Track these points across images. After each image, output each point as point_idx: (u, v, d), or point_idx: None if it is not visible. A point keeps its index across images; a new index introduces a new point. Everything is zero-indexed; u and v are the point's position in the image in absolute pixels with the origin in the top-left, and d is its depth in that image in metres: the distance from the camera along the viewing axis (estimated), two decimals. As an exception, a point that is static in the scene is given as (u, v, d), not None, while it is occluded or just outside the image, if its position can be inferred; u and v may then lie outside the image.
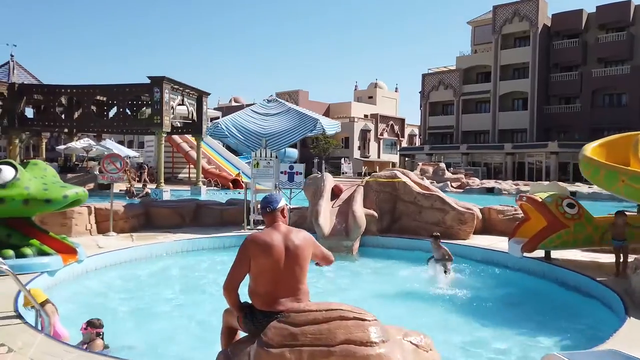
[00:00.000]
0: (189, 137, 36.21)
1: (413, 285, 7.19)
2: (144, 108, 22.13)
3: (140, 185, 22.75)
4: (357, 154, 58.29)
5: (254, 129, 10.39)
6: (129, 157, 28.56)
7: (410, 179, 10.29)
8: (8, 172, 6.16)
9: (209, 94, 23.80)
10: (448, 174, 32.46)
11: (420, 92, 53.41)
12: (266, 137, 10.36)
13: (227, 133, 10.30)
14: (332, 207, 9.88)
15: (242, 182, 31.04)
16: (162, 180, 20.82)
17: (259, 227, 10.56)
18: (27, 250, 6.19)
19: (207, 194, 24.17)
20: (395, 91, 74.14)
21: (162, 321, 5.49)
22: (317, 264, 3.22)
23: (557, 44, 45.59)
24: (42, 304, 4.38)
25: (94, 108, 22.51)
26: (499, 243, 9.09)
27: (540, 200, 6.81)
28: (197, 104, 23.14)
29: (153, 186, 21.04)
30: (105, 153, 24.77)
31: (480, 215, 9.99)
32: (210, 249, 9.25)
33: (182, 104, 21.85)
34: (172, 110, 20.58)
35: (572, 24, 44.60)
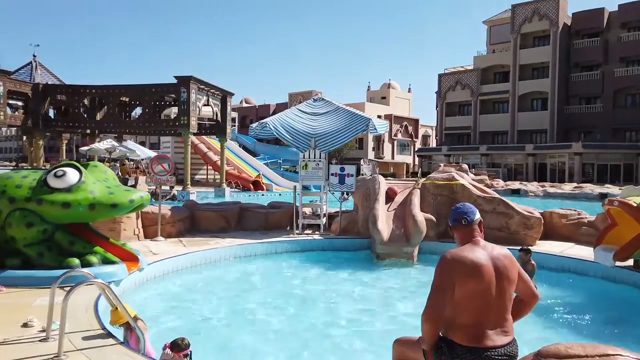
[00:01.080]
0: (205, 137, 35.99)
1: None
2: (167, 109, 21.85)
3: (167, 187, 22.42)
4: (371, 154, 57.74)
5: (303, 129, 9.96)
6: (148, 158, 28.30)
7: (467, 181, 9.81)
8: (73, 175, 5.78)
9: (233, 94, 23.45)
10: (470, 175, 31.83)
11: (436, 92, 52.80)
12: (315, 138, 9.93)
13: (275, 133, 9.88)
14: (387, 211, 9.42)
15: (263, 183, 30.73)
16: (189, 182, 20.46)
17: (307, 232, 10.13)
18: (93, 259, 5.79)
19: (231, 195, 23.80)
20: (408, 91, 73.48)
21: (245, 335, 5.06)
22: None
23: (577, 43, 44.83)
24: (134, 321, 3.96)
25: (116, 109, 22.21)
26: (569, 249, 8.60)
27: (636, 205, 6.31)
28: (222, 105, 22.79)
29: (179, 188, 20.68)
30: (127, 154, 24.50)
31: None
32: (264, 255, 8.85)
33: (208, 104, 21.50)
34: (198, 111, 20.23)
35: (594, 22, 43.83)
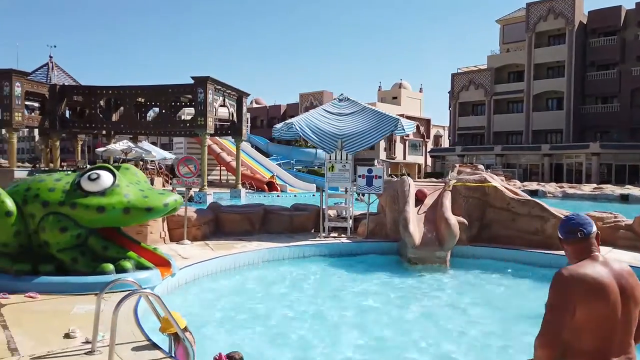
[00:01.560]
0: (218, 138, 35.93)
1: (533, 303, 6.46)
2: (182, 109, 21.74)
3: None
4: (382, 155, 57.40)
5: (329, 129, 9.75)
6: (165, 159, 28.27)
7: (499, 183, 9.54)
8: (107, 178, 5.62)
9: (248, 95, 23.31)
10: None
11: (449, 92, 52.33)
12: (342, 138, 9.72)
13: (301, 134, 9.69)
14: (417, 213, 9.18)
15: (277, 184, 30.59)
16: (206, 183, 20.36)
17: (333, 235, 9.91)
18: (127, 264, 5.63)
19: (246, 196, 23.68)
20: (420, 91, 73.02)
21: (295, 349, 4.82)
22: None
23: (593, 41, 44.15)
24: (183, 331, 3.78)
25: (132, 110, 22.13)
26: (608, 254, 8.29)
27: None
28: (237, 105, 22.66)
29: (196, 189, 20.56)
30: (143, 155, 24.47)
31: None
32: (292, 259, 8.65)
33: (224, 105, 21.38)
34: (214, 112, 20.12)
35: (610, 20, 43.13)
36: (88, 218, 5.49)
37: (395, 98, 68.89)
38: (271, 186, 29.32)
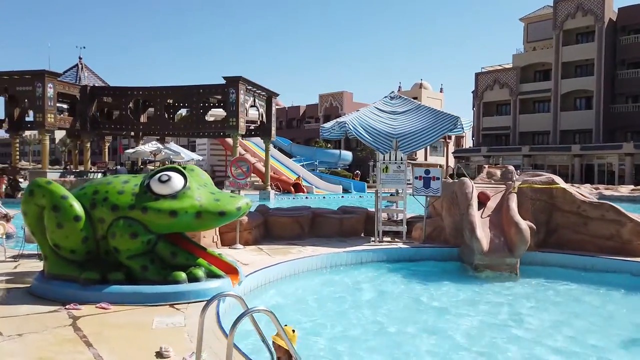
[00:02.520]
0: (241, 139, 35.74)
1: (625, 319, 5.92)
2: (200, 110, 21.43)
3: None
4: (404, 155, 56.63)
5: (383, 128, 9.30)
6: (193, 160, 28.10)
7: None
8: (178, 180, 5.25)
9: (277, 95, 22.99)
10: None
11: (472, 92, 51.45)
12: (397, 138, 9.26)
13: (354, 133, 9.26)
14: (480, 217, 8.67)
15: (303, 186, 30.22)
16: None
17: (386, 239, 9.45)
18: (199, 272, 5.25)
19: (275, 198, 23.36)
20: (440, 91, 72.04)
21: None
22: None
23: (624, 39, 42.96)
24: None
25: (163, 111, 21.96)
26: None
27: None
28: (267, 105, 22.34)
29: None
30: (171, 156, 24.31)
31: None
32: (351, 265, 8.23)
33: (254, 105, 21.08)
34: (245, 112, 19.82)
35: (642, 17, 41.90)
36: (159, 223, 5.13)
37: (415, 98, 67.80)
38: (297, 188, 28.96)
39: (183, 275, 5.13)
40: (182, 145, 56.32)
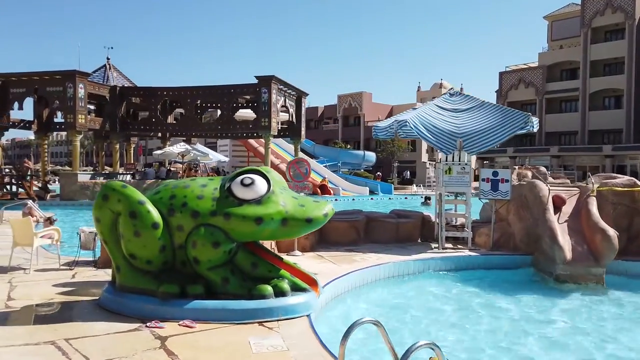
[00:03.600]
0: (263, 140, 35.33)
1: None
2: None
3: None
4: (425, 156, 55.84)
5: (446, 127, 8.74)
6: (220, 162, 27.78)
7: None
8: (261, 184, 4.77)
9: (307, 95, 22.51)
10: (550, 179, 29.68)
11: (496, 92, 50.43)
12: (461, 137, 8.68)
13: (416, 132, 8.71)
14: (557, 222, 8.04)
15: (329, 188, 29.66)
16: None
17: (447, 246, 8.85)
18: (284, 286, 4.76)
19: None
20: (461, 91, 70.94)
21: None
22: None
23: (656, 36, 41.61)
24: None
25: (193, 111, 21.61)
26: None
27: None
28: (297, 105, 21.88)
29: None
30: (199, 158, 23.97)
31: None
32: (419, 274, 7.67)
33: (284, 105, 20.63)
34: (277, 112, 19.37)
35: (675, 13, 40.59)
36: (243, 230, 4.65)
37: (434, 98, 67.14)
38: (324, 190, 28.41)
39: (269, 289, 4.64)
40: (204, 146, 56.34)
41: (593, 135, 42.86)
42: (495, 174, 8.73)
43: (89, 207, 18.20)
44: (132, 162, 25.90)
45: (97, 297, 5.09)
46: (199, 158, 23.67)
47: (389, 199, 26.07)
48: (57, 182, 22.11)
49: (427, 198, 21.54)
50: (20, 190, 18.35)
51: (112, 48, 45.22)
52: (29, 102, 21.11)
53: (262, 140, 35.08)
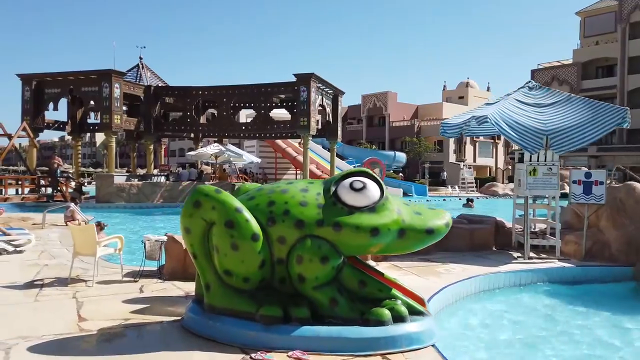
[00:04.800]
0: (290, 141, 34.65)
1: None
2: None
3: None
4: (452, 157, 54.57)
5: (530, 124, 7.89)
6: (252, 163, 27.26)
7: None
8: (374, 188, 4.06)
9: (343, 93, 21.79)
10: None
11: (527, 90, 48.89)
12: (548, 135, 7.83)
13: (498, 129, 7.90)
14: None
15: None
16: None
17: (531, 256, 8.00)
18: (402, 309, 4.04)
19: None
20: (487, 90, 69.52)
21: None
22: None
23: (699, 30, 39.71)
24: None
25: (213, 111, 21.12)
26: None
27: None
28: (333, 104, 21.19)
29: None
30: (231, 159, 23.45)
31: None
32: (512, 287, 6.88)
33: (321, 104, 19.95)
34: (316, 111, 18.69)
35: None
36: (354, 243, 3.95)
37: (461, 98, 65.81)
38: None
39: (387, 313, 3.92)
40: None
41: (632, 135, 41.06)
42: (588, 175, 7.88)
43: (125, 209, 17.95)
44: (163, 163, 25.52)
45: (178, 317, 4.46)
46: (231, 159, 23.16)
47: (427, 201, 25.10)
48: (87, 184, 21.87)
49: (470, 200, 20.63)
50: (56, 192, 18.04)
51: (144, 47, 44.81)
52: (62, 103, 20.89)
53: (290, 140, 34.70)
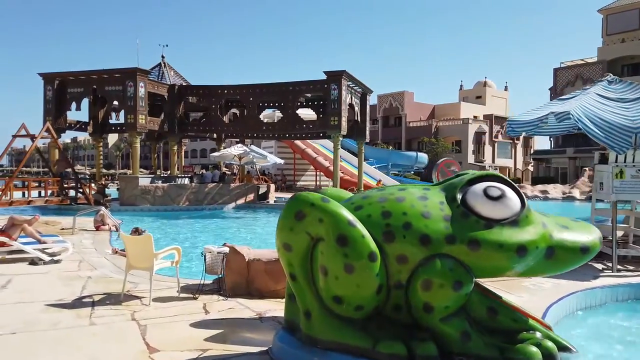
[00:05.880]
0: (310, 141, 33.92)
1: None
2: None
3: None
4: (471, 158, 53.50)
5: (617, 120, 7.10)
6: (272, 164, 26.61)
7: None
8: (513, 196, 3.32)
9: (372, 92, 21.05)
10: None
11: (550, 89, 47.68)
12: (638, 133, 7.03)
13: (581, 127, 7.12)
14: None
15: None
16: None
17: (627, 267, 7.19)
18: (550, 345, 3.29)
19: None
20: (505, 90, 68.30)
21: None
22: None
23: None
24: None
25: (235, 111, 20.48)
26: None
27: None
28: (361, 103, 20.45)
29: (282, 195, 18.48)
30: (255, 160, 22.80)
31: None
32: (603, 304, 6.08)
33: (351, 103, 19.22)
34: (346, 110, 17.97)
35: None
36: (493, 265, 3.22)
37: (479, 97, 64.67)
38: (381, 193, 26.83)
39: (536, 352, 3.17)
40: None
41: (661, 135, 39.74)
42: (684, 178, 7.05)
43: (149, 212, 17.35)
44: (182, 164, 24.95)
45: (262, 347, 3.77)
46: (255, 160, 22.52)
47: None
48: (109, 187, 21.37)
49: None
50: (79, 194, 17.52)
51: (166, 46, 43.93)
52: (83, 103, 20.39)
53: (309, 141, 33.96)
